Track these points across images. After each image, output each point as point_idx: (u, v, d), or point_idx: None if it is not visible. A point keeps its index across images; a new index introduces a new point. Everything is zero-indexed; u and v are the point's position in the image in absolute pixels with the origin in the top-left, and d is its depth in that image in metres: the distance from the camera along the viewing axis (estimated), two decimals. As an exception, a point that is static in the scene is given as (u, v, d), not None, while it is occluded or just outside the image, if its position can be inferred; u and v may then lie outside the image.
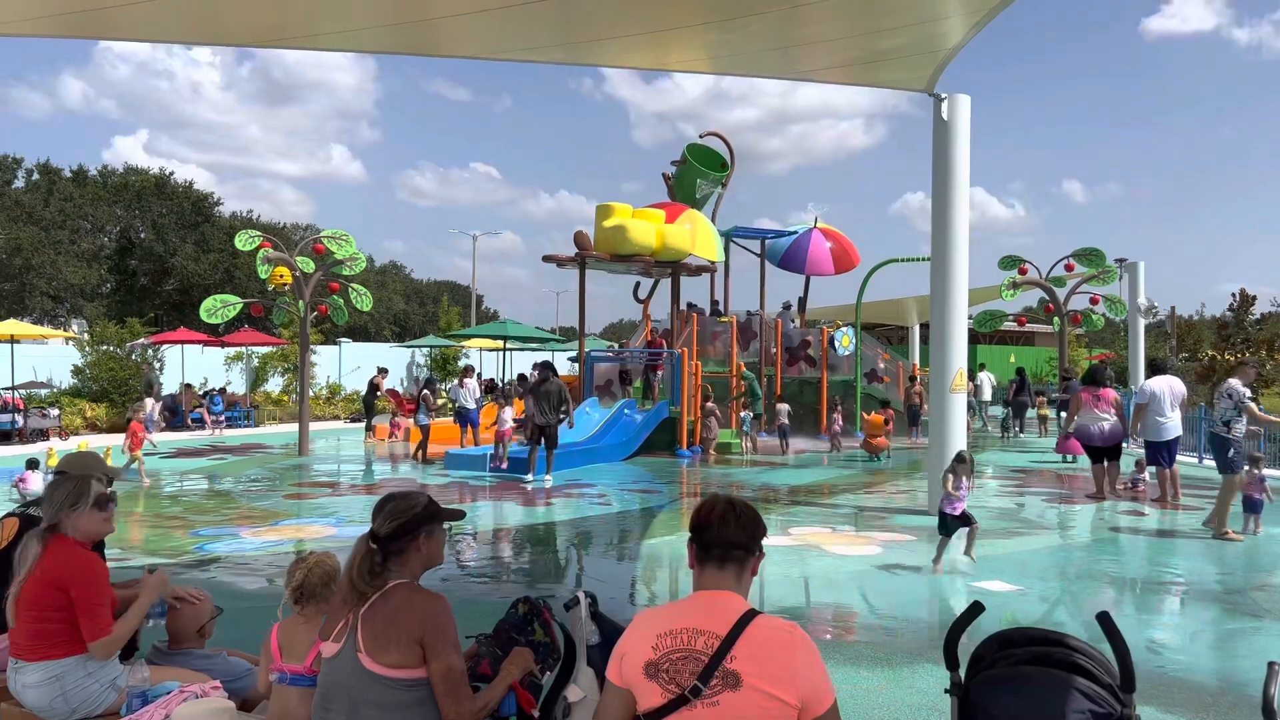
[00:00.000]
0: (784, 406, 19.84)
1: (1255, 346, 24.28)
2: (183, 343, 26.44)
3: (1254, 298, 28.10)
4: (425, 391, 18.84)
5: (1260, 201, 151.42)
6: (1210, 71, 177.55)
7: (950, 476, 8.12)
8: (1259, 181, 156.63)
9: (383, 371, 23.88)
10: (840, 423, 19.59)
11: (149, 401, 20.43)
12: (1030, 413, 24.80)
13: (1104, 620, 2.49)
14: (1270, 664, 2.45)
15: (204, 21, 8.35)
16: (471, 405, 18.61)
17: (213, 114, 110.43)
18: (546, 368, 14.56)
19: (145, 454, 14.17)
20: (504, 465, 15.08)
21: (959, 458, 8.43)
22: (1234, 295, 26.11)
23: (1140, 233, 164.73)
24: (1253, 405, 10.06)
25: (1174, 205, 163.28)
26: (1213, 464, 10.95)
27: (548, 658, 3.14)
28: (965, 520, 8.13)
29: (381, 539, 2.80)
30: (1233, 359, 23.31)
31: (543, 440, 14.01)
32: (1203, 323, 36.57)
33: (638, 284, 23.53)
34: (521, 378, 16.43)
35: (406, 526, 2.82)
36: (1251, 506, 9.77)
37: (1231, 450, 9.76)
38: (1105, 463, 12.30)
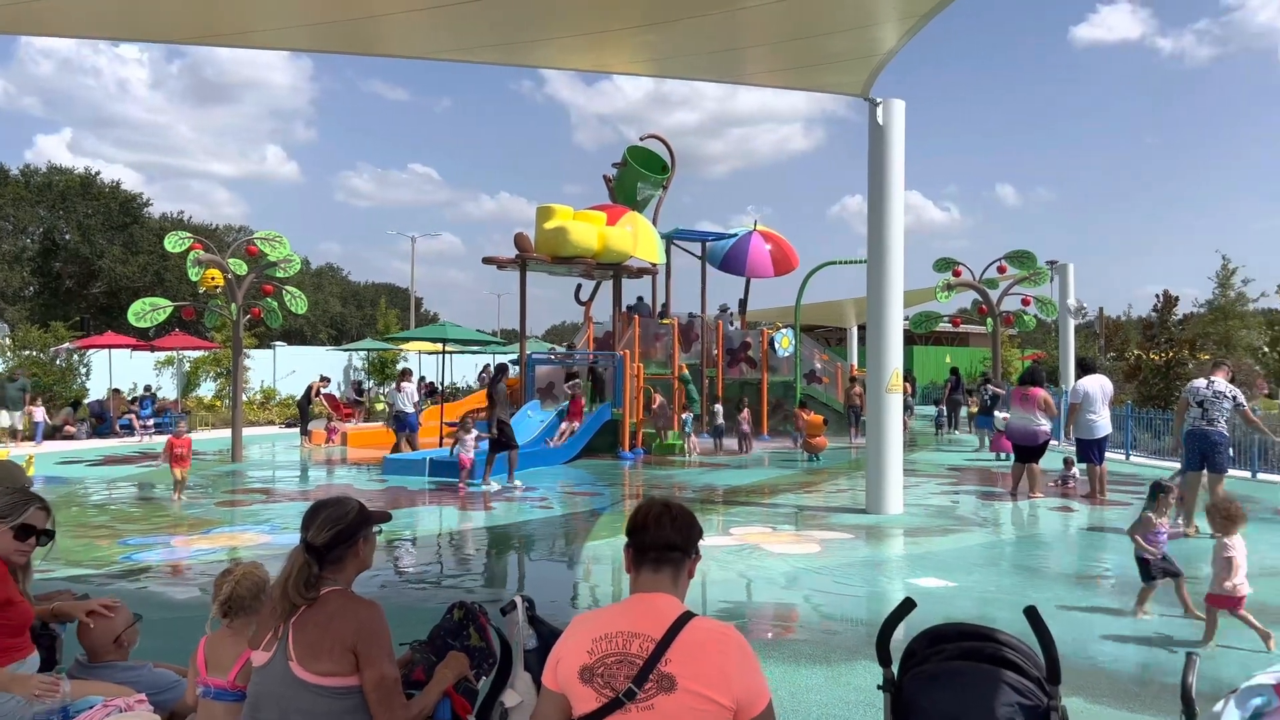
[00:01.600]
0: (719, 408, 19.95)
1: (1178, 346, 25.03)
2: (110, 347, 25.70)
3: (1177, 299, 28.94)
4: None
5: (1182, 205, 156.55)
6: (1136, 79, 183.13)
7: (1150, 515, 6.63)
8: (1181, 186, 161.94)
9: (324, 379, 23.51)
10: (748, 422, 19.71)
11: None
12: (963, 411, 25.36)
13: (1031, 615, 2.55)
14: (1189, 653, 2.53)
15: (130, 17, 8.14)
16: (409, 409, 18.37)
17: (141, 112, 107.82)
18: (500, 370, 14.74)
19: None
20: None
21: (1160, 487, 6.70)
22: (1158, 296, 26.88)
23: (1070, 235, 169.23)
24: (1248, 409, 10.22)
25: (1102, 209, 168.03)
26: (1143, 460, 11.24)
27: (483, 663, 3.11)
28: (1170, 569, 6.61)
29: (318, 549, 2.75)
30: (1202, 356, 23.98)
31: (500, 445, 14.00)
32: (1129, 323, 37.62)
33: (579, 286, 23.49)
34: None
35: (343, 534, 2.78)
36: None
37: (1230, 449, 9.97)
38: (1027, 463, 12.53)
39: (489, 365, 33.33)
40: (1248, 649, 5.82)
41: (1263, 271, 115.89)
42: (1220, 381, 10.01)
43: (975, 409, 24.45)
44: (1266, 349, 32.33)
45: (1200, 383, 10.09)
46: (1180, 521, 9.73)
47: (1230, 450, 10.02)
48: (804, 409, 20.15)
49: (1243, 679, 2.37)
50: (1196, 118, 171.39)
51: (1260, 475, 14.47)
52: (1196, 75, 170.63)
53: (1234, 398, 9.89)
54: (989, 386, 20.36)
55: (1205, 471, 9.93)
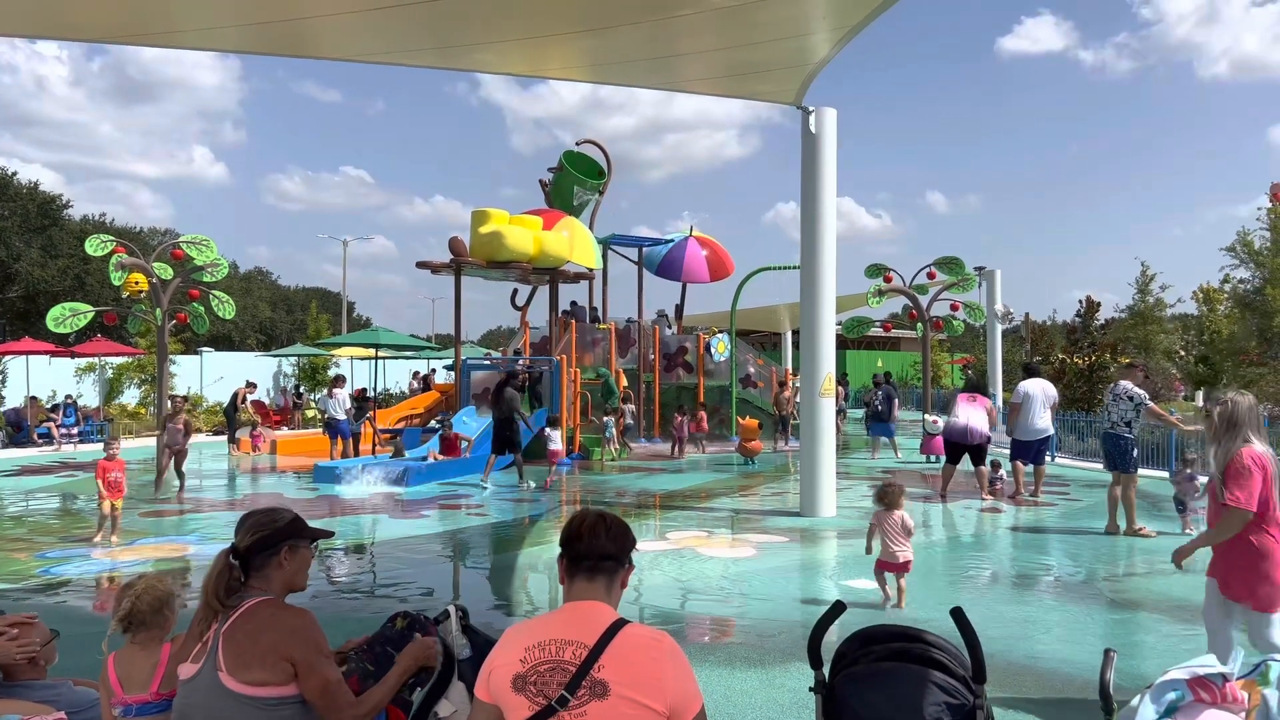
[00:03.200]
0: (629, 406, 19.90)
1: (1100, 350, 25.82)
2: (28, 353, 24.85)
3: (1099, 304, 29.83)
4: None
5: (1104, 213, 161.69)
6: (1060, 90, 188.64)
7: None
8: (1103, 194, 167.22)
9: (250, 385, 23.00)
10: (684, 426, 19.80)
11: None
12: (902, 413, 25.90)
13: (957, 615, 2.61)
14: (1106, 650, 2.61)
15: (49, 14, 7.89)
16: (341, 416, 18.12)
17: (60, 111, 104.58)
18: (511, 376, 15.69)
19: None
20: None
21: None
22: (1081, 302, 27.70)
23: (998, 242, 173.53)
24: (1154, 405, 10.54)
25: (1028, 216, 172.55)
26: (1067, 461, 11.56)
27: (421, 672, 3.08)
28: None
29: (242, 553, 2.73)
30: (1123, 360, 24.70)
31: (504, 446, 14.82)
32: (1054, 327, 38.70)
33: (515, 291, 23.37)
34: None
35: (268, 540, 2.76)
36: (1181, 506, 10.19)
37: (1135, 450, 10.30)
38: (973, 465, 12.84)
39: (418, 372, 33.01)
40: (1164, 646, 6.02)
41: (1180, 277, 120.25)
42: (1122, 385, 10.40)
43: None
44: (1182, 352, 33.55)
45: (1110, 387, 10.50)
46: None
47: (1135, 451, 10.33)
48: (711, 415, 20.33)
49: (1159, 675, 2.46)
50: (1118, 127, 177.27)
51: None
52: (1117, 86, 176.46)
53: (1132, 398, 10.23)
54: (880, 391, 20.23)
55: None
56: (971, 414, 12.61)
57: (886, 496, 7.39)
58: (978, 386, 13.17)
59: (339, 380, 18.84)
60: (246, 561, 2.73)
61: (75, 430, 22.48)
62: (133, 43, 9.36)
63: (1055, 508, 12.05)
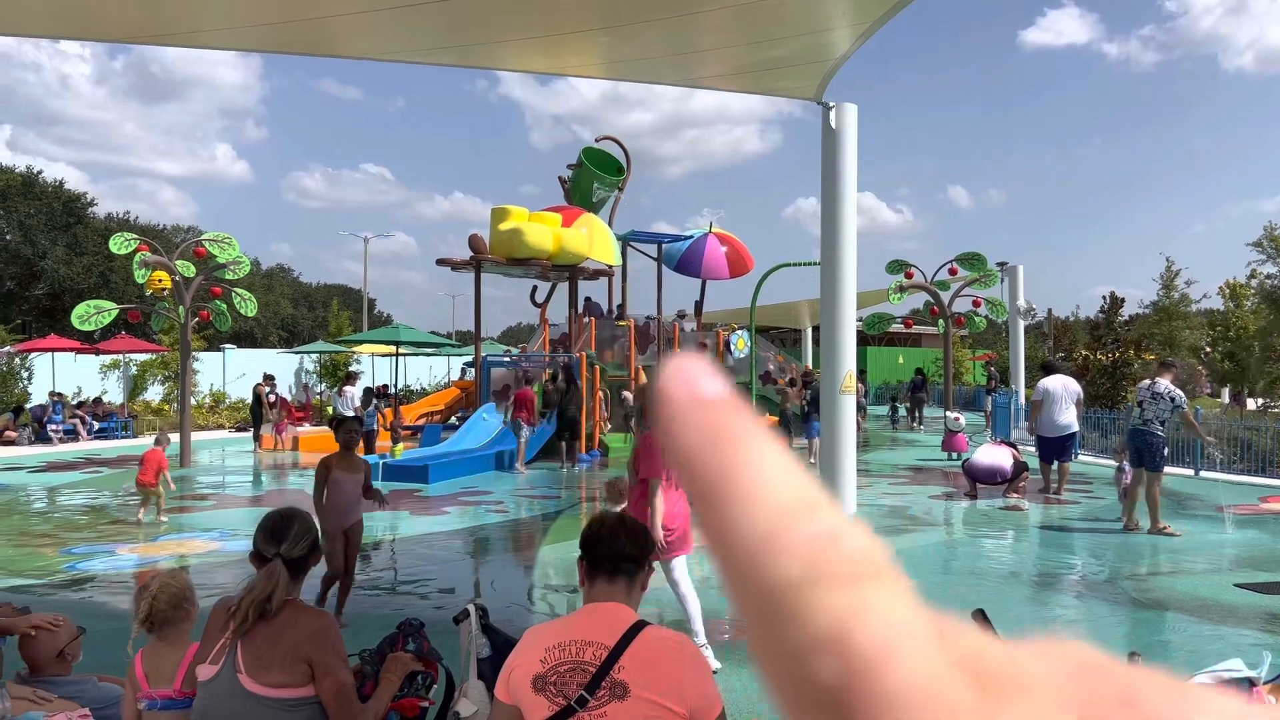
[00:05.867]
0: (627, 394, 19.96)
1: (1124, 346, 25.56)
2: (53, 350, 25.13)
3: (1123, 300, 29.52)
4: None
5: (1128, 208, 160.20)
6: (1084, 83, 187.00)
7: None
8: (1127, 188, 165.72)
9: (268, 378, 22.93)
10: None
11: None
12: (928, 410, 25.87)
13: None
14: (1131, 653, 2.58)
15: (71, 16, 7.95)
16: (349, 413, 18.25)
17: (85, 110, 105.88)
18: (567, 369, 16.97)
19: None
20: None
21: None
22: (1105, 298, 27.43)
23: (1020, 237, 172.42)
24: (1188, 410, 10.43)
25: (1052, 211, 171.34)
26: (1090, 459, 11.45)
27: (417, 675, 3.08)
28: None
29: (297, 561, 2.76)
30: (1149, 357, 24.48)
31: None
32: (1077, 324, 38.33)
33: (535, 288, 23.41)
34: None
35: (316, 544, 2.83)
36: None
37: (1166, 449, 10.19)
38: (1054, 463, 12.76)
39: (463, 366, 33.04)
40: (1189, 648, 5.96)
41: (1205, 273, 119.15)
42: (1161, 383, 10.20)
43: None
44: (1209, 349, 33.18)
45: (1144, 384, 10.32)
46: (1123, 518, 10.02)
47: (1165, 450, 10.24)
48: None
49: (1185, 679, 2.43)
50: (1142, 121, 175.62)
51: (1203, 474, 14.81)
52: (1142, 79, 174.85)
53: (1173, 399, 10.05)
54: (807, 390, 18.13)
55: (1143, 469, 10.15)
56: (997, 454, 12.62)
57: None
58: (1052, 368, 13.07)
59: (350, 377, 18.92)
60: (300, 568, 2.78)
61: (60, 428, 22.45)
62: (154, 43, 9.45)
63: (1079, 505, 11.95)
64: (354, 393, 18.44)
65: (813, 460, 18.08)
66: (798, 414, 20.87)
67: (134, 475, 11.17)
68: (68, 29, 9.62)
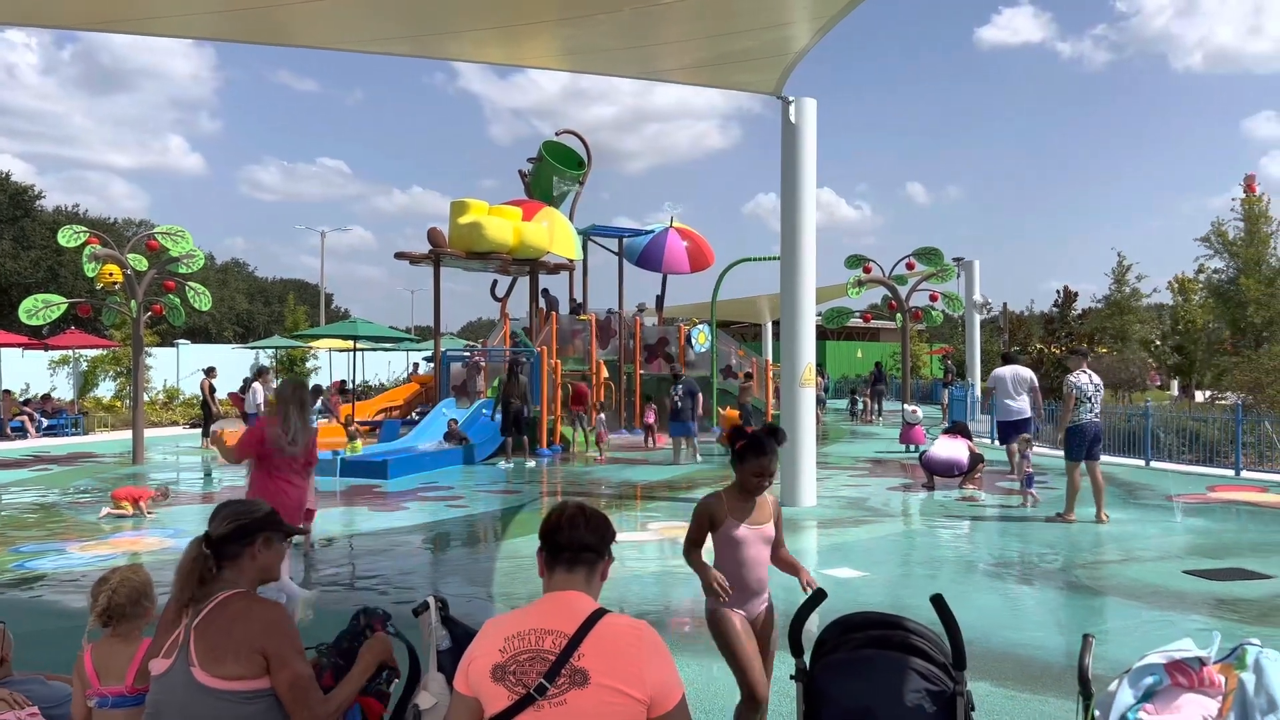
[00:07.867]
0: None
1: (1078, 339, 26.04)
2: (0, 346, 24.54)
3: (1076, 294, 30.12)
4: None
5: (1082, 204, 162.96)
6: (1039, 80, 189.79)
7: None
8: (1081, 185, 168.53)
9: (209, 372, 21.95)
10: (654, 415, 19.77)
11: None
12: (887, 403, 26.21)
13: (937, 602, 2.61)
14: (1085, 636, 2.63)
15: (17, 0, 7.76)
16: (252, 410, 18.19)
17: (31, 100, 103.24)
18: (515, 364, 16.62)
19: None
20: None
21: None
22: (1058, 292, 27.96)
23: (977, 233, 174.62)
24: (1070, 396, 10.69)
25: (1007, 207, 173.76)
26: (1045, 451, 11.60)
27: (383, 670, 3.05)
28: None
29: (216, 541, 2.72)
30: (1104, 350, 24.89)
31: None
32: (1032, 318, 38.92)
33: (495, 282, 23.29)
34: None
35: (245, 529, 2.76)
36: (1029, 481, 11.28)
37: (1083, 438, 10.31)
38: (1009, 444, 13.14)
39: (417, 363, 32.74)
40: (1141, 631, 6.08)
41: (1155, 267, 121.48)
42: (1095, 375, 10.47)
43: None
44: (1158, 342, 33.86)
45: (1083, 378, 10.14)
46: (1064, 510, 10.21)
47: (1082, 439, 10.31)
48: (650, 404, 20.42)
49: (1136, 659, 2.47)
50: (1095, 119, 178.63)
51: (1153, 464, 15.11)
52: (1095, 78, 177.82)
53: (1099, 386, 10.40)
54: (679, 387, 16.79)
55: (1087, 460, 10.27)
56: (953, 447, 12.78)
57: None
58: (962, 429, 13.40)
59: (262, 373, 18.76)
60: (219, 551, 2.72)
61: (9, 425, 21.84)
62: (105, 29, 9.24)
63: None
64: (259, 388, 18.30)
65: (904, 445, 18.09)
66: (758, 407, 21.05)
67: (82, 472, 10.94)
68: (13, 15, 9.38)
